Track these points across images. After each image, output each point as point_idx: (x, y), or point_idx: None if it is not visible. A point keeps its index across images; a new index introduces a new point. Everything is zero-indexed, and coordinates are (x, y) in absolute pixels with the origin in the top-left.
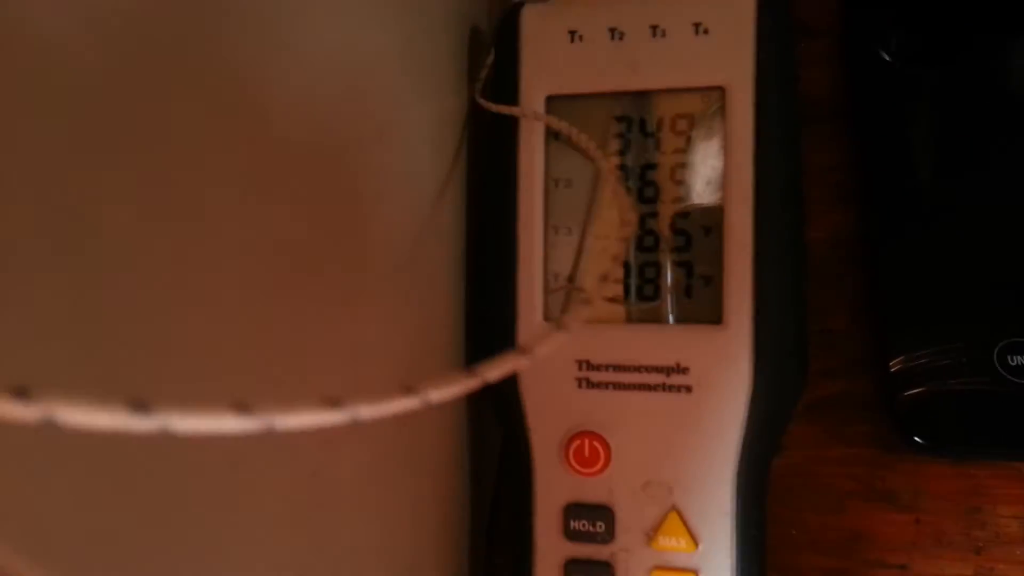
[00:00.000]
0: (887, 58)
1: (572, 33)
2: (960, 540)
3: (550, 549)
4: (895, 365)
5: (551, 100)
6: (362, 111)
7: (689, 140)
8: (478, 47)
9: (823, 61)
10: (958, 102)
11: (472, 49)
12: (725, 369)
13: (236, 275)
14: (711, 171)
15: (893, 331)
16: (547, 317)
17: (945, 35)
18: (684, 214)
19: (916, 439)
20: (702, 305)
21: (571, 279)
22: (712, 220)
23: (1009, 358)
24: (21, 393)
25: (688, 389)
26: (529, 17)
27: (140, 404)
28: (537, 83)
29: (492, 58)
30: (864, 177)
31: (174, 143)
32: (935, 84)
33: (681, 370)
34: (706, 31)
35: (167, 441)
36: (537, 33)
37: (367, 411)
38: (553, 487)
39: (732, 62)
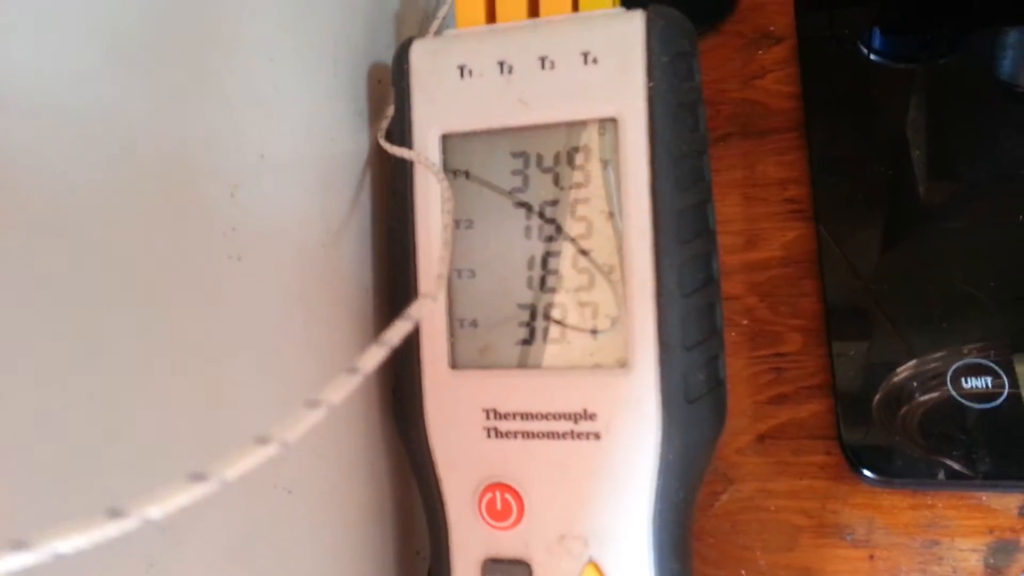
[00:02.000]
0: (872, 57)
1: (462, 68)
2: None
3: None
4: (843, 391)
5: (446, 139)
6: (211, 167)
7: (587, 174)
8: (382, 86)
9: (780, 68)
10: (942, 100)
11: (375, 88)
12: (632, 414)
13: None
14: (612, 205)
15: (841, 354)
16: (453, 364)
17: (932, 31)
18: (586, 252)
19: (865, 472)
20: (607, 348)
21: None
22: (614, 258)
23: (964, 381)
24: None
25: (597, 436)
26: (418, 53)
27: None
28: (430, 122)
29: (393, 97)
30: (816, 189)
31: None
32: (919, 80)
33: (588, 416)
34: (595, 60)
35: None
36: (427, 69)
37: (231, 473)
38: (469, 541)
39: (623, 92)
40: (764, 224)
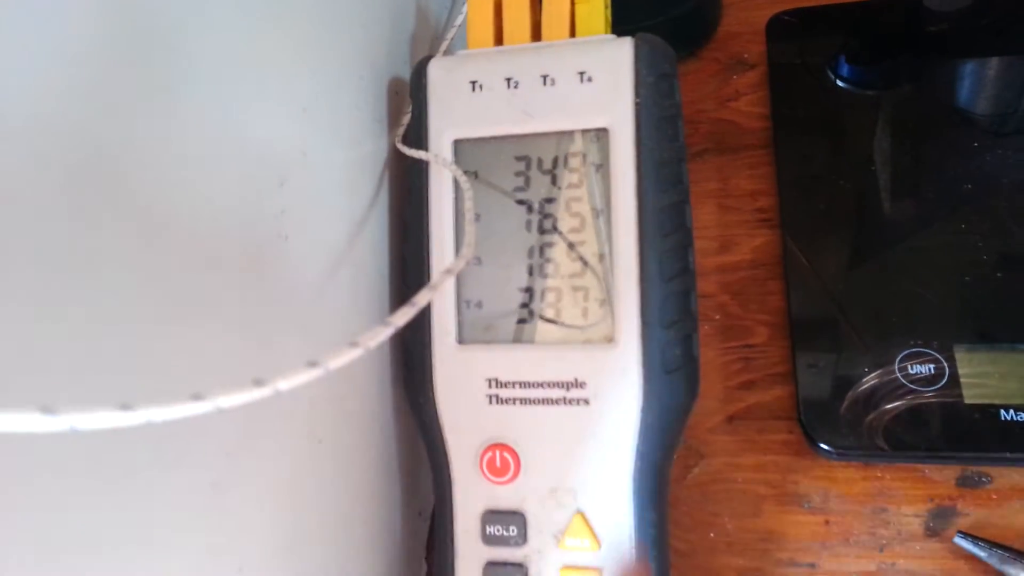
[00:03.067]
0: (838, 83)
1: (473, 83)
2: (866, 539)
3: (470, 554)
4: (804, 377)
5: (458, 143)
6: (266, 162)
7: (581, 176)
8: (399, 97)
9: (752, 92)
10: (898, 124)
11: (393, 99)
12: (617, 383)
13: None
14: (601, 203)
15: (801, 344)
16: (460, 340)
17: (895, 61)
18: (579, 243)
19: (822, 445)
20: (597, 326)
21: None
22: (603, 248)
23: (909, 367)
24: None
25: (586, 402)
26: (435, 69)
27: (48, 408)
28: (444, 129)
29: (410, 107)
30: (783, 201)
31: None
32: (881, 106)
33: (579, 385)
34: (590, 79)
35: None
36: (443, 84)
37: (285, 384)
38: (470, 495)
39: (613, 106)
40: (736, 231)
